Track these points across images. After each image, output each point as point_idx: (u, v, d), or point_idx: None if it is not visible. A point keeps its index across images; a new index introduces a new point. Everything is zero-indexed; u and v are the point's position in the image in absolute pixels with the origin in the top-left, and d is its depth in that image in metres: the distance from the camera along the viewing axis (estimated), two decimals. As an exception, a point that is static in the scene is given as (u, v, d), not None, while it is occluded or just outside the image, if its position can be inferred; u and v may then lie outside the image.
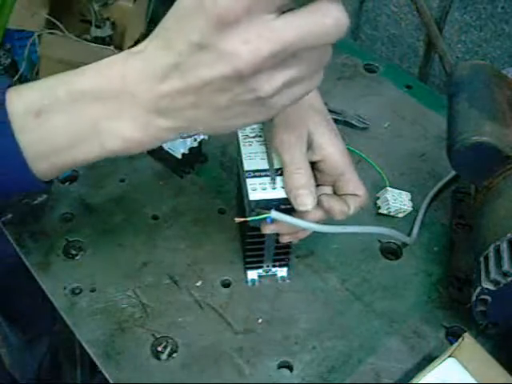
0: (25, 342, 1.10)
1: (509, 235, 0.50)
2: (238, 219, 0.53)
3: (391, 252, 0.65)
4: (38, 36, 1.35)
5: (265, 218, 0.49)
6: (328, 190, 0.52)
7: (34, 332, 1.10)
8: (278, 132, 0.49)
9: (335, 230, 0.51)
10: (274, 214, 0.48)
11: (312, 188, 0.48)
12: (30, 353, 1.13)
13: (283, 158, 0.49)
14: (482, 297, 0.52)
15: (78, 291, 0.59)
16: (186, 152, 0.68)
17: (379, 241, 0.65)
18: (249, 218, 0.50)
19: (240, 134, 0.54)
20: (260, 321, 0.58)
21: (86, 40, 1.36)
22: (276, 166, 0.51)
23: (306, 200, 0.48)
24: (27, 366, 1.15)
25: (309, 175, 0.49)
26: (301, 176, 0.48)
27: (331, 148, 0.51)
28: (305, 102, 0.48)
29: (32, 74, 1.45)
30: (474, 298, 0.53)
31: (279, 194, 0.49)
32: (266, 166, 0.51)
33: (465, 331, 0.55)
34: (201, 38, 0.34)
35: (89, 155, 0.42)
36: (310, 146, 0.50)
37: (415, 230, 0.65)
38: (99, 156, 0.42)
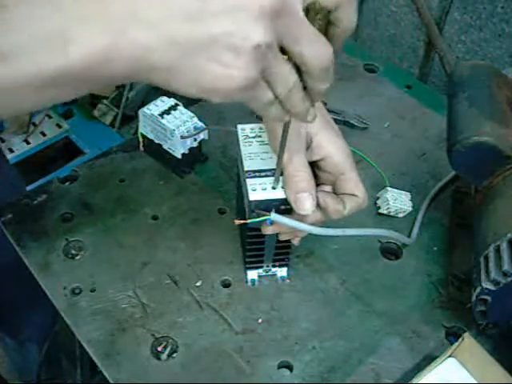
0: (18, 343, 1.11)
1: (509, 235, 0.50)
2: (237, 221, 0.53)
3: (391, 252, 0.65)
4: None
5: (264, 220, 0.49)
6: (328, 189, 0.52)
7: (23, 335, 1.11)
8: (276, 133, 0.48)
9: (335, 233, 0.51)
10: (273, 216, 0.48)
11: (312, 191, 0.48)
12: (28, 354, 1.13)
13: (281, 163, 0.49)
14: (482, 297, 0.52)
15: (77, 291, 0.59)
16: (186, 152, 0.68)
17: (379, 241, 0.65)
18: (248, 221, 0.50)
19: (240, 134, 0.54)
20: (260, 321, 0.58)
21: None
22: (276, 166, 0.51)
23: (305, 204, 0.48)
24: (25, 366, 1.15)
25: (308, 178, 0.48)
26: (300, 179, 0.48)
27: (331, 147, 0.50)
28: None
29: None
30: (474, 298, 0.53)
31: (279, 194, 0.49)
32: (266, 166, 0.51)
33: (465, 331, 0.55)
34: None
35: (49, 64, 0.35)
36: (309, 146, 0.50)
37: (415, 231, 0.65)
38: (60, 67, 0.35)
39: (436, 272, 0.63)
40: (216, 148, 0.75)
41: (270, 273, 0.61)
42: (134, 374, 0.53)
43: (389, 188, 0.69)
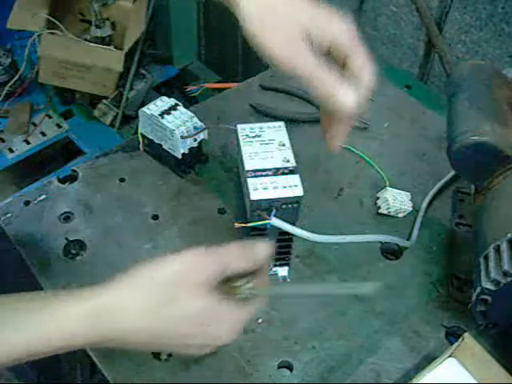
0: None
1: (509, 235, 0.50)
2: (237, 224, 0.53)
3: (391, 252, 0.65)
4: (38, 36, 1.35)
5: (264, 224, 0.50)
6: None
7: None
8: (272, 48, 0.45)
9: (335, 239, 0.51)
10: (273, 220, 0.49)
11: (343, 82, 0.44)
12: None
13: (295, 72, 0.45)
14: (482, 297, 0.52)
15: (78, 291, 0.59)
16: (186, 152, 0.68)
17: (379, 241, 0.65)
18: (249, 224, 0.50)
19: (240, 134, 0.54)
20: (260, 321, 0.58)
21: (85, 40, 1.37)
22: (276, 166, 0.51)
23: (347, 99, 0.45)
24: (23, 366, 1.15)
25: (330, 75, 0.44)
26: (324, 81, 0.44)
27: (334, 27, 0.46)
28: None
29: (32, 73, 1.45)
30: (474, 297, 0.53)
31: (280, 193, 0.49)
32: (267, 166, 0.51)
33: (465, 331, 0.55)
34: None
35: None
36: (313, 38, 0.46)
37: (415, 233, 0.65)
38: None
39: (436, 272, 0.63)
40: (216, 148, 0.75)
41: (270, 272, 0.61)
42: (134, 374, 0.53)
43: (389, 188, 0.69)
